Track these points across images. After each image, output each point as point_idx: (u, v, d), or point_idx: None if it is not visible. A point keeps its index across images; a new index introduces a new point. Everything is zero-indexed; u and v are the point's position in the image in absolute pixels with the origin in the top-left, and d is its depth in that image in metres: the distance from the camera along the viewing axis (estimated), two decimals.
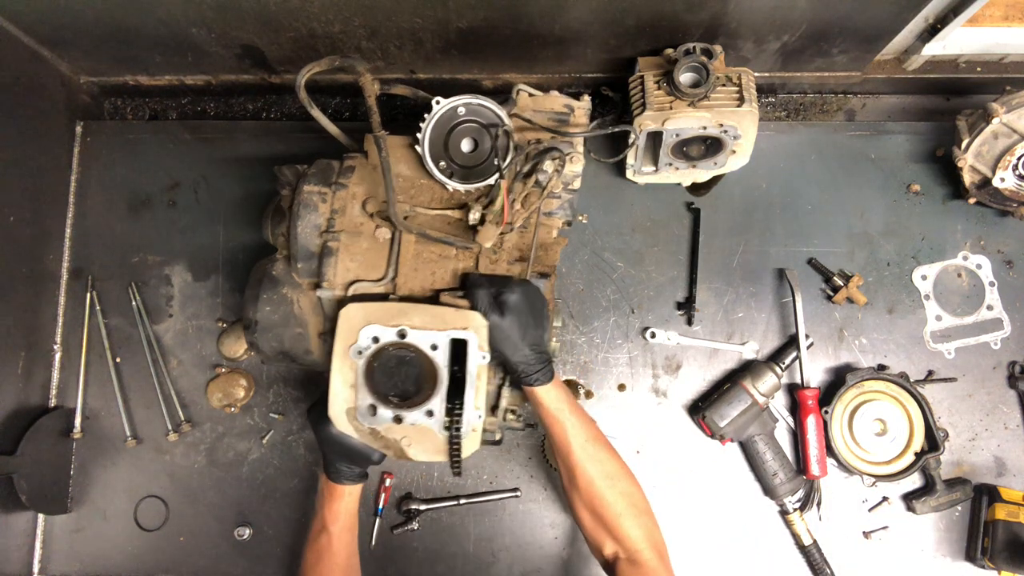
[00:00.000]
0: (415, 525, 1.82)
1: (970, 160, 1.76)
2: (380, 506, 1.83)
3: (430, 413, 1.40)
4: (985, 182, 1.75)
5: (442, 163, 1.49)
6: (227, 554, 1.85)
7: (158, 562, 1.85)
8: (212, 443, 1.89)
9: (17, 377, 1.79)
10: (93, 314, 1.92)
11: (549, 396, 1.42)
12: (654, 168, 1.81)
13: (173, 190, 1.99)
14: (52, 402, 1.90)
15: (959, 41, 1.81)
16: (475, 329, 1.39)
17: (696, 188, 1.93)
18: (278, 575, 1.84)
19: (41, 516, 1.86)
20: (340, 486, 1.52)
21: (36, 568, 1.85)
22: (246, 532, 1.85)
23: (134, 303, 1.93)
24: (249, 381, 1.90)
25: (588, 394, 1.88)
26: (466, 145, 1.50)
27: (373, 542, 1.83)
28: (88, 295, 1.92)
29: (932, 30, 1.77)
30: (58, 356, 1.92)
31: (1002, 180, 1.72)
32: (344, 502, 1.53)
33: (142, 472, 1.88)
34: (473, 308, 1.40)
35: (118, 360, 1.91)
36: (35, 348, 1.86)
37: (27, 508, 1.77)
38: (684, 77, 1.61)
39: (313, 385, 1.90)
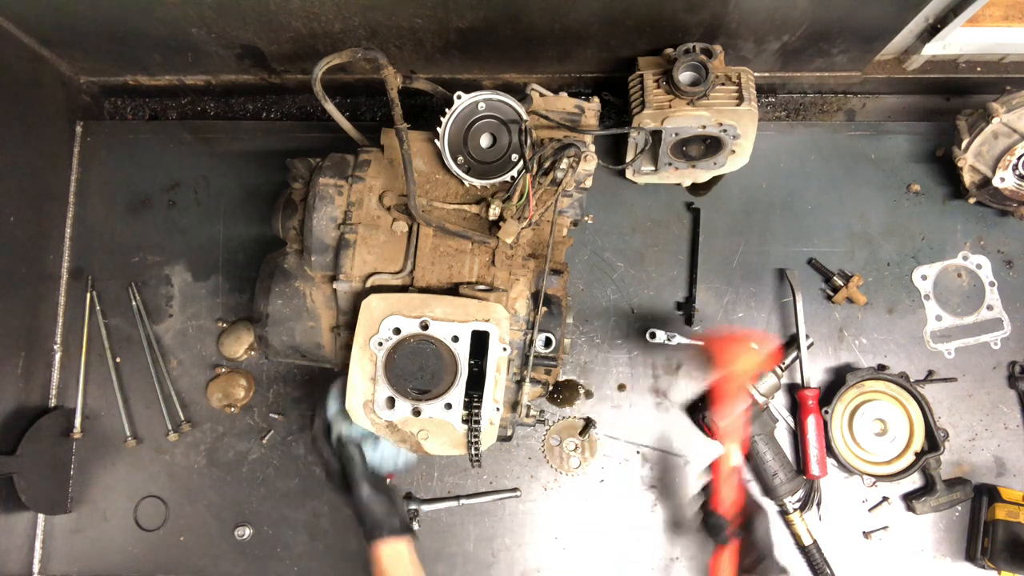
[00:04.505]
0: (415, 525, 1.82)
1: (970, 160, 1.76)
2: None
3: (448, 406, 1.41)
4: (985, 182, 1.75)
5: (460, 158, 1.49)
6: (227, 554, 1.85)
7: (158, 562, 1.85)
8: (212, 443, 1.89)
9: (17, 377, 1.80)
10: (93, 314, 1.92)
11: None
12: (654, 168, 1.81)
13: (173, 190, 1.99)
14: (52, 402, 1.90)
15: (959, 41, 1.81)
16: (496, 321, 1.40)
17: (696, 188, 1.93)
18: (278, 575, 1.84)
19: (41, 516, 1.86)
20: (389, 544, 1.41)
21: (36, 568, 1.85)
22: (246, 532, 1.85)
23: (134, 303, 1.93)
24: (249, 381, 1.90)
25: (588, 394, 1.88)
26: (485, 141, 1.51)
27: None
28: (88, 295, 1.92)
29: (932, 30, 1.77)
30: (58, 356, 1.92)
31: (1002, 180, 1.72)
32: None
33: (142, 472, 1.88)
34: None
35: (118, 360, 1.92)
36: (35, 348, 1.86)
37: (27, 508, 1.77)
38: (683, 76, 1.61)
39: (314, 385, 1.90)
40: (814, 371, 1.86)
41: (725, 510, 1.54)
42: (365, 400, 1.43)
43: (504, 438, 1.55)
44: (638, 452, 1.86)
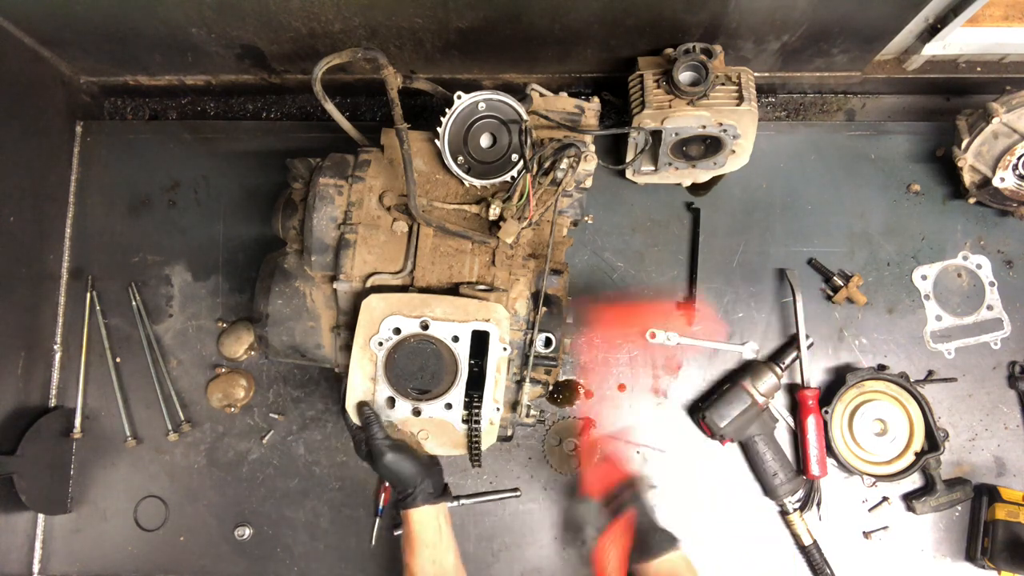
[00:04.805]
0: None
1: (970, 160, 1.76)
2: (380, 506, 1.83)
3: (449, 406, 1.42)
4: (985, 182, 1.75)
5: (460, 158, 1.49)
6: (227, 554, 1.85)
7: (158, 562, 1.85)
8: (212, 443, 1.89)
9: (17, 377, 1.80)
10: (93, 314, 1.92)
11: None
12: (654, 168, 1.81)
13: (173, 190, 1.99)
14: (52, 402, 1.90)
15: (959, 41, 1.81)
16: (496, 321, 1.40)
17: (696, 188, 1.93)
18: (278, 575, 1.84)
19: (41, 516, 1.86)
20: (418, 510, 1.44)
21: (36, 568, 1.85)
22: (246, 532, 1.85)
23: (134, 303, 1.93)
24: (249, 381, 1.90)
25: (588, 394, 1.88)
26: (485, 140, 1.51)
27: (373, 542, 1.83)
28: (88, 295, 1.92)
29: (932, 30, 1.77)
30: (58, 356, 1.92)
31: (1002, 180, 1.72)
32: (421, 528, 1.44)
33: (142, 472, 1.88)
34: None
35: (118, 360, 1.92)
36: (35, 348, 1.86)
37: (27, 508, 1.77)
38: (683, 76, 1.61)
39: (314, 385, 1.90)
40: (814, 371, 1.86)
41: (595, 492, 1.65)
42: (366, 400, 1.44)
43: (504, 438, 1.55)
44: (638, 452, 1.86)
